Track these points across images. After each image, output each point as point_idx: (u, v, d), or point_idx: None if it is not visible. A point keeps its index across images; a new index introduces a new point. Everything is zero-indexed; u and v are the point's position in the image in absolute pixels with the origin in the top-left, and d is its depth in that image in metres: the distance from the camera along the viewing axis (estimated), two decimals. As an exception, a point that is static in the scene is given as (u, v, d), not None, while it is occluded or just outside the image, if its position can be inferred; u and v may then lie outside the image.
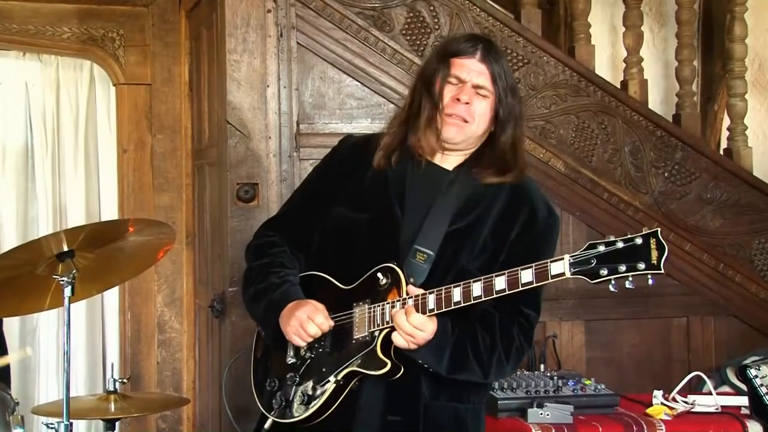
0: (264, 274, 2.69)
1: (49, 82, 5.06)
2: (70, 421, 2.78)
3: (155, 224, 3.19)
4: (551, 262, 2.32)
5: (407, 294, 2.47)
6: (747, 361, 3.90)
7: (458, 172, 2.64)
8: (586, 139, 4.23)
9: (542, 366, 3.97)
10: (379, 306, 2.50)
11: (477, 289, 2.39)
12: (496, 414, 3.52)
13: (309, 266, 2.71)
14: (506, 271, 2.38)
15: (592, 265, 2.28)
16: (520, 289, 2.36)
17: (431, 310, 2.43)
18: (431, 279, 2.53)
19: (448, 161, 2.66)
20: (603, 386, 3.75)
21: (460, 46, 2.61)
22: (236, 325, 3.89)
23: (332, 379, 2.51)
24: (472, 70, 2.57)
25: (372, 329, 2.50)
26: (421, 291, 2.46)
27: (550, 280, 2.34)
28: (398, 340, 2.45)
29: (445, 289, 2.42)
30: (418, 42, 4.07)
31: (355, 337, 2.52)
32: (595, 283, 2.29)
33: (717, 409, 3.71)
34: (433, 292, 2.44)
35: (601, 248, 2.28)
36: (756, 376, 3.69)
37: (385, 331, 2.48)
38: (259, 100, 3.93)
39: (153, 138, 4.90)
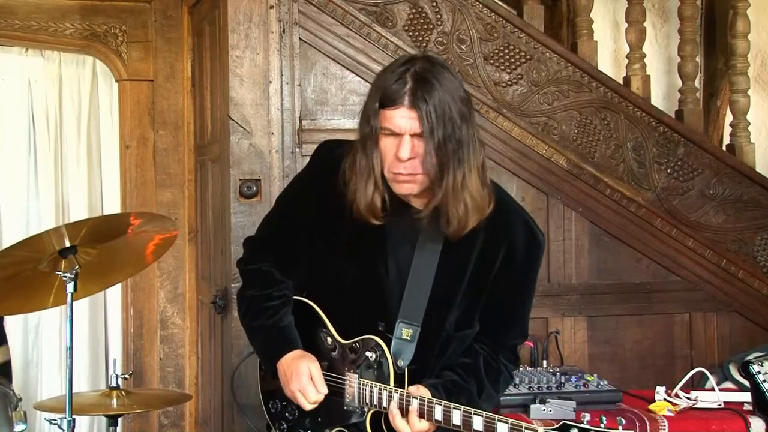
0: (255, 310, 2.68)
1: (51, 78, 5.06)
2: (73, 417, 2.79)
3: (157, 218, 3.19)
4: (526, 428, 2.25)
5: (391, 388, 2.44)
6: (749, 357, 3.90)
7: (431, 218, 2.46)
8: (589, 135, 4.23)
9: (545, 362, 3.97)
10: (368, 385, 2.48)
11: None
12: (499, 410, 3.52)
13: (301, 286, 2.68)
14: (484, 414, 2.31)
15: None
16: None
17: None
18: (418, 356, 2.50)
19: (419, 198, 2.50)
20: (605, 382, 3.75)
21: (388, 91, 2.38)
22: (239, 321, 3.87)
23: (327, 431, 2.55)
24: (404, 120, 2.35)
25: (362, 405, 2.50)
26: (417, 394, 2.41)
27: None
28: None
29: (428, 402, 2.38)
30: (420, 38, 4.07)
31: (346, 402, 2.53)
32: None
33: (719, 405, 3.71)
34: (418, 398, 2.40)
35: None
36: (759, 372, 3.69)
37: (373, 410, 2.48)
38: (261, 96, 3.93)
39: (155, 134, 4.90)
